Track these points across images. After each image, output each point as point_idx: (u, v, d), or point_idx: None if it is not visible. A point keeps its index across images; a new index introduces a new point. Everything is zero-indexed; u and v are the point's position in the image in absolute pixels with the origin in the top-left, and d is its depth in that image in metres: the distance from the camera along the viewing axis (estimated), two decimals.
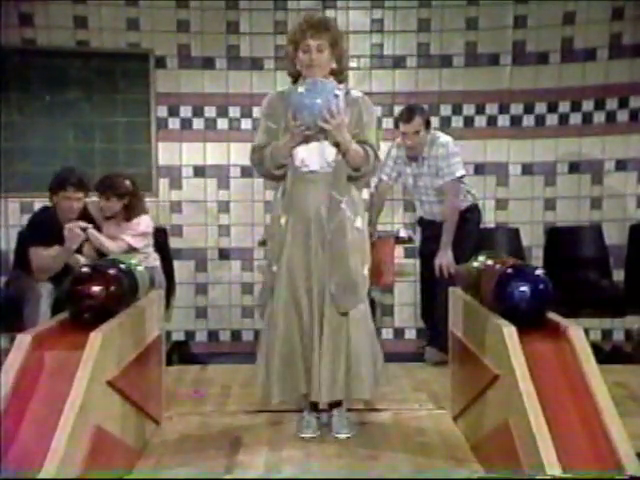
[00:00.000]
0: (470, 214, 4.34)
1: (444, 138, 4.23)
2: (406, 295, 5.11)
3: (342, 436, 3.01)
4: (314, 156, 2.92)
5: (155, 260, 4.18)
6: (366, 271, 3.00)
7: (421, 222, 4.56)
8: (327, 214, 2.91)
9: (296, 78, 3.02)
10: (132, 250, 4.03)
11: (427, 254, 4.35)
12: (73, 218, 3.89)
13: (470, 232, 4.28)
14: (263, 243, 4.92)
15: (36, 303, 3.71)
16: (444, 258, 4.14)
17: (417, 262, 4.72)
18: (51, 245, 3.84)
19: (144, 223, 4.15)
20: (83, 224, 3.83)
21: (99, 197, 4.08)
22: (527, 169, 5.12)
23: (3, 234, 4.89)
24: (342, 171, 2.93)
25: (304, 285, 2.92)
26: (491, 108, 5.09)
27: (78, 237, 3.78)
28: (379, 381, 3.04)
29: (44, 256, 3.81)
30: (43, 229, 3.93)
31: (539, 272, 2.64)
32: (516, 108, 5.08)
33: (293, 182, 2.94)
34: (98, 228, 4.00)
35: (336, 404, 3.06)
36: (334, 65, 2.96)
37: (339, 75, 3.00)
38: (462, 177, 4.21)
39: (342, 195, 2.93)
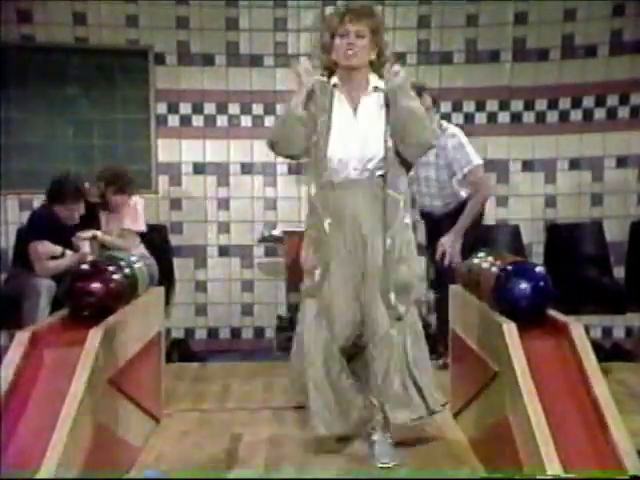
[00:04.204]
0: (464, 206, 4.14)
1: (453, 129, 4.10)
2: None
3: (387, 465, 2.67)
4: (353, 162, 2.66)
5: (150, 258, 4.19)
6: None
7: (422, 215, 4.37)
8: (385, 214, 2.64)
9: (331, 72, 2.72)
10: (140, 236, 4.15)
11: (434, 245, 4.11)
12: (75, 222, 3.92)
13: (473, 223, 4.21)
14: (263, 240, 4.94)
15: (35, 300, 3.71)
16: (449, 243, 3.93)
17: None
18: (52, 242, 3.86)
19: (139, 202, 4.20)
20: (91, 233, 3.92)
21: (113, 193, 4.07)
22: (527, 166, 5.12)
23: (2, 231, 4.88)
24: (391, 167, 2.66)
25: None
26: (491, 105, 5.09)
27: (87, 244, 3.93)
28: None
29: (57, 263, 3.84)
30: (43, 226, 3.94)
31: (539, 269, 2.64)
32: (516, 105, 5.07)
33: (332, 187, 2.67)
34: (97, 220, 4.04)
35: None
36: (373, 56, 2.66)
37: (378, 69, 2.70)
38: (480, 165, 4.04)
39: (399, 192, 2.67)
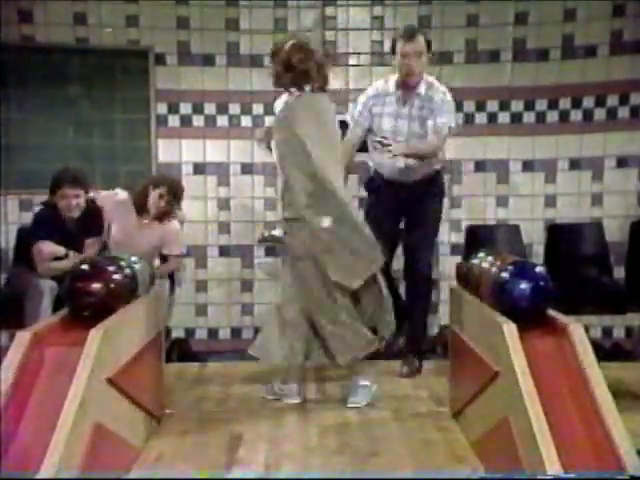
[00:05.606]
0: (438, 176, 3.98)
1: (442, 86, 3.88)
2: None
3: (358, 404, 3.33)
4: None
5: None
6: None
7: (374, 182, 4.03)
8: None
9: None
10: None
11: (377, 217, 3.76)
12: (75, 215, 3.92)
13: (439, 203, 3.99)
14: (263, 240, 4.93)
15: (38, 300, 3.70)
16: (399, 148, 3.63)
17: None
18: (55, 242, 3.87)
19: (180, 231, 4.26)
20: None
21: (166, 202, 4.07)
22: (527, 166, 5.12)
23: (2, 231, 4.88)
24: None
25: None
26: (491, 105, 5.09)
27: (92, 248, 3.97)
28: None
29: (61, 264, 3.84)
30: (47, 226, 3.94)
31: (539, 269, 2.64)
32: (516, 105, 5.07)
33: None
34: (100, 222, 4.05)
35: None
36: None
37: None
38: (451, 128, 3.79)
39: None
